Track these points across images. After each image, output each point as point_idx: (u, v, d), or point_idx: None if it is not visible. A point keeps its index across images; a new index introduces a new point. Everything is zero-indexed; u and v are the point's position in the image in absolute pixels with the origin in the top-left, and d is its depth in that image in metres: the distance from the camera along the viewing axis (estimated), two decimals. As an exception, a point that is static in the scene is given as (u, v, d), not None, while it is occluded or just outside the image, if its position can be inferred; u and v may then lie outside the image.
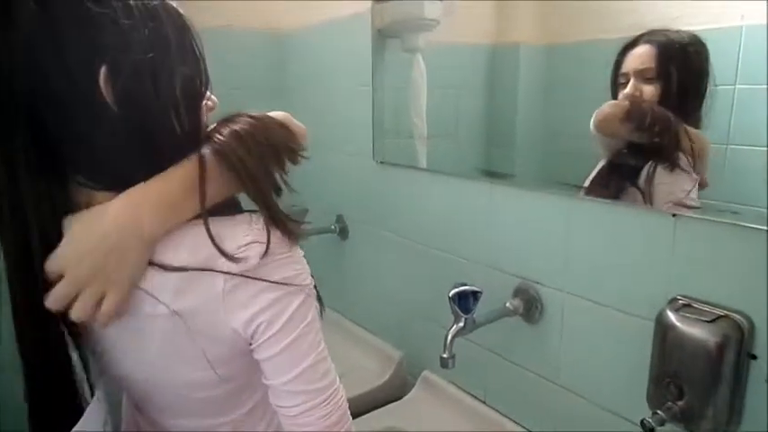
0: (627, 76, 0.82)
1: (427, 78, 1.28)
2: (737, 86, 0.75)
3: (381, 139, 1.38)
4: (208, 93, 0.66)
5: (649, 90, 0.79)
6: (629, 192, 0.84)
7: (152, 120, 0.57)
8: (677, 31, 0.78)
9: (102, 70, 0.53)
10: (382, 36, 1.35)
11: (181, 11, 0.62)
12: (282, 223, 0.61)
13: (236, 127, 0.62)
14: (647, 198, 0.82)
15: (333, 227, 1.57)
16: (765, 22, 0.70)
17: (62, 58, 0.52)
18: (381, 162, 1.38)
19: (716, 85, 0.76)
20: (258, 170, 0.60)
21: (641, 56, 0.80)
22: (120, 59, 0.53)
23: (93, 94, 0.53)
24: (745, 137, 0.75)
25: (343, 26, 1.46)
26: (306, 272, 0.63)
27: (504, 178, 1.09)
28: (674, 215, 0.78)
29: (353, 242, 1.55)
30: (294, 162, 0.70)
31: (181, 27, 0.60)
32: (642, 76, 0.79)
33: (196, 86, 0.62)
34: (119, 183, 0.56)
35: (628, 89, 0.80)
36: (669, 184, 0.79)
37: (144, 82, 0.55)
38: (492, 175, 1.12)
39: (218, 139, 0.60)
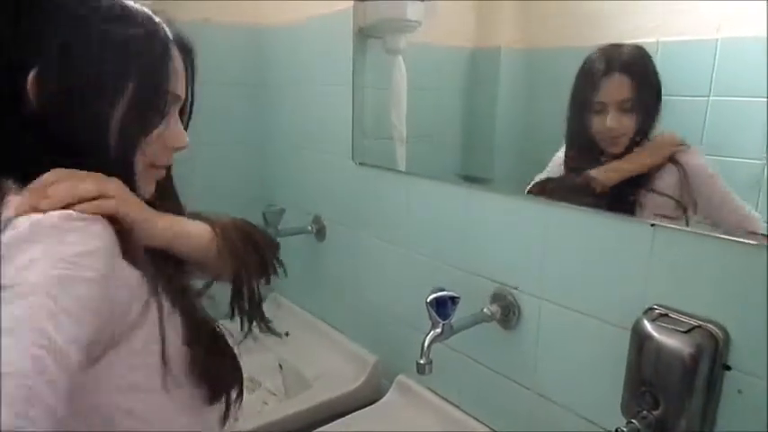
0: (603, 104, 0.82)
1: (408, 80, 1.27)
2: (711, 98, 0.75)
3: (361, 139, 1.37)
4: (170, 126, 0.63)
5: (627, 121, 0.80)
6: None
7: (74, 132, 0.56)
8: (625, 45, 0.80)
9: (33, 73, 0.53)
10: (363, 36, 1.33)
11: (165, 32, 0.60)
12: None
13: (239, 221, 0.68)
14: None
15: (310, 227, 1.55)
16: (740, 35, 0.71)
17: None
18: (361, 163, 1.37)
19: (665, 96, 0.77)
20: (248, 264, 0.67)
21: (621, 87, 0.80)
22: (50, 65, 0.53)
23: (19, 95, 0.53)
24: (720, 149, 0.75)
25: (324, 24, 1.44)
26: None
27: (482, 183, 1.08)
28: (652, 224, 0.78)
29: (330, 244, 1.53)
30: (267, 281, 0.74)
31: (145, 49, 0.58)
32: (621, 107, 0.80)
33: (141, 109, 0.59)
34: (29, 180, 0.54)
35: (610, 122, 0.80)
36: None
37: (71, 93, 0.54)
38: (470, 179, 1.11)
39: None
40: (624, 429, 0.74)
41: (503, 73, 1.09)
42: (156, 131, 0.61)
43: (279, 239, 1.51)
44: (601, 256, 0.86)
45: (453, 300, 0.89)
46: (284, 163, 1.68)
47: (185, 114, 0.70)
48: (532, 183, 0.95)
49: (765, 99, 0.68)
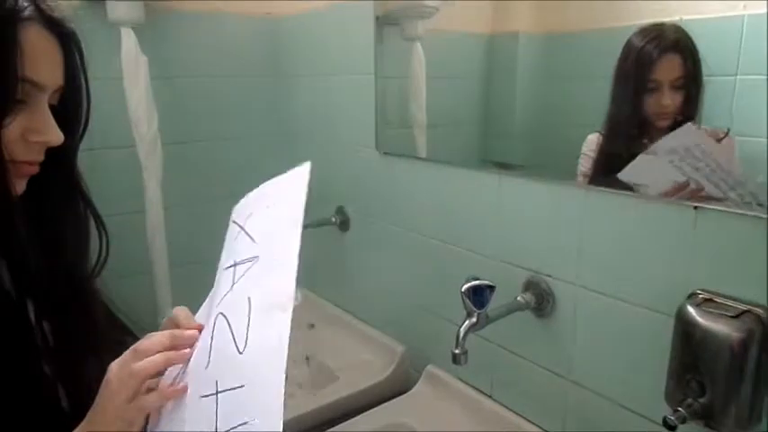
0: (658, 83, 0.83)
1: (426, 67, 1.26)
2: (738, 77, 0.74)
3: (384, 129, 1.35)
4: (33, 118, 0.56)
5: (678, 98, 0.82)
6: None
7: None
8: (673, 26, 0.80)
9: None
10: (380, 23, 1.32)
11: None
12: None
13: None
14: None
15: (333, 219, 1.54)
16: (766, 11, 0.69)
17: None
18: (385, 153, 1.35)
19: (710, 75, 0.78)
20: None
21: (674, 66, 0.82)
22: None
23: None
24: (748, 128, 0.74)
25: (343, 12, 1.42)
26: None
27: (511, 168, 1.07)
28: (695, 207, 0.76)
29: (354, 235, 1.52)
30: None
31: None
32: (673, 85, 0.82)
33: None
34: None
35: (666, 99, 0.83)
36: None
37: None
38: (499, 165, 1.10)
39: None
40: (672, 418, 0.72)
41: (521, 58, 1.08)
42: (7, 122, 0.53)
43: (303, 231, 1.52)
44: (640, 241, 0.84)
45: (490, 288, 0.88)
46: (306, 154, 1.67)
47: (79, 106, 0.64)
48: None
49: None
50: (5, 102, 0.53)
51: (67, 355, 0.62)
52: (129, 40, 1.31)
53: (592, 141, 0.92)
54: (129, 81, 1.33)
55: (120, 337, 0.69)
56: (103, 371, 0.55)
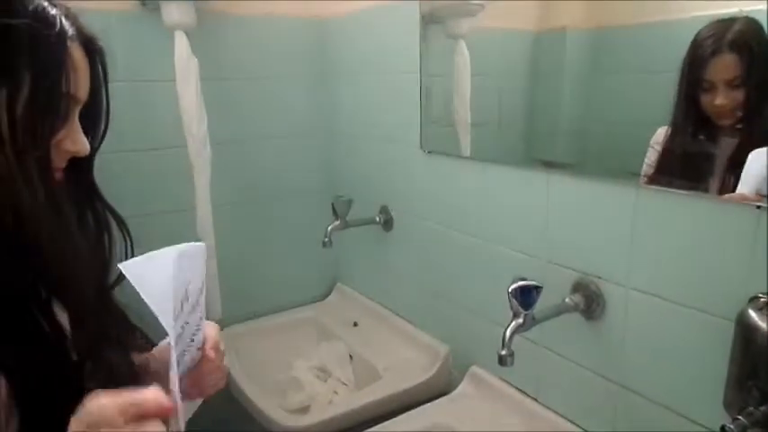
0: (711, 83, 0.80)
1: (470, 65, 1.24)
2: None
3: (428, 127, 1.35)
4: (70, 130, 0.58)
5: (737, 96, 0.79)
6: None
7: None
8: (738, 20, 0.77)
9: None
10: (425, 22, 1.32)
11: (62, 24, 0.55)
12: None
13: None
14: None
15: (377, 218, 1.54)
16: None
17: None
18: (430, 152, 1.34)
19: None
20: None
21: (728, 66, 0.79)
22: None
23: None
24: None
25: (388, 12, 1.42)
26: None
27: (560, 167, 1.04)
28: (758, 206, 0.72)
29: (398, 234, 1.52)
30: None
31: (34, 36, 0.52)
32: (730, 84, 0.79)
33: (39, 113, 0.53)
34: None
35: (720, 100, 0.79)
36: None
37: None
38: (546, 164, 1.08)
39: None
40: (731, 427, 0.69)
41: (568, 54, 1.05)
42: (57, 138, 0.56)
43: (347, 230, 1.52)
44: (697, 242, 0.81)
45: (537, 289, 0.86)
46: (351, 154, 1.69)
47: (100, 118, 0.66)
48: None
49: None
50: (59, 120, 0.56)
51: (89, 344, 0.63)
52: (181, 42, 1.35)
53: (660, 135, 0.89)
54: (180, 82, 1.37)
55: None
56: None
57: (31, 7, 0.52)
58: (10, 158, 0.51)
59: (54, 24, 0.54)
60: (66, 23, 0.56)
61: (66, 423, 0.49)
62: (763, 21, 0.73)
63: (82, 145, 0.60)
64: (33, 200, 0.53)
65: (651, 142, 0.88)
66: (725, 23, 0.78)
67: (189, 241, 0.61)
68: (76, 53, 0.57)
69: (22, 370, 0.54)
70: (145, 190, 1.48)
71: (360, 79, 1.59)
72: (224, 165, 1.53)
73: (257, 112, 1.63)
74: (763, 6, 0.73)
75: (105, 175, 0.70)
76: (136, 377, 0.67)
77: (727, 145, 0.81)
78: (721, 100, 0.79)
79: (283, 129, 1.68)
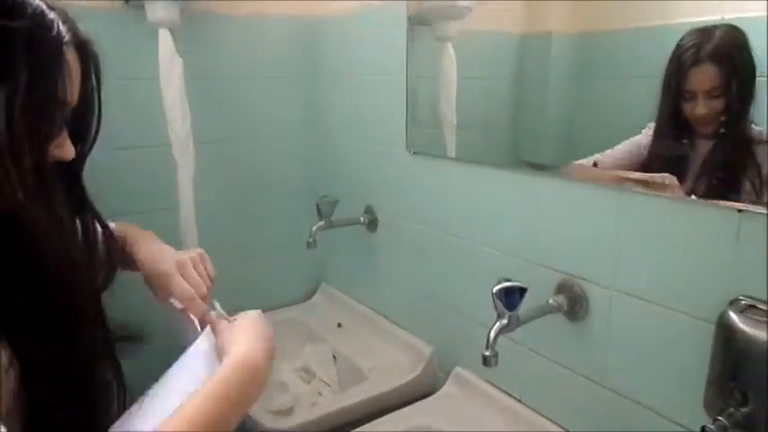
0: (692, 93, 0.81)
1: (457, 68, 1.25)
2: None
3: (414, 128, 1.35)
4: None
5: (717, 105, 0.80)
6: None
7: None
8: (719, 28, 0.77)
9: None
10: (411, 24, 1.32)
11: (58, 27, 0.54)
12: None
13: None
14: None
15: (362, 218, 1.54)
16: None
17: None
18: (415, 153, 1.35)
19: (760, 76, 0.74)
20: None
21: (708, 77, 0.80)
22: None
23: None
24: None
25: (376, 13, 1.42)
26: None
27: (546, 170, 1.05)
28: (739, 210, 0.74)
29: (383, 234, 1.52)
30: None
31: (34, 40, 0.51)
32: (710, 94, 0.80)
33: (35, 118, 0.52)
34: None
35: (700, 109, 0.81)
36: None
37: None
38: (532, 166, 1.08)
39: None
40: (711, 428, 0.70)
41: (554, 57, 1.07)
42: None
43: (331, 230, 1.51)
44: (680, 245, 0.82)
45: (521, 290, 0.87)
46: (336, 154, 1.68)
47: (89, 125, 0.65)
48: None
49: None
50: (55, 125, 0.55)
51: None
52: (165, 40, 1.34)
53: (637, 140, 0.90)
54: (164, 81, 1.35)
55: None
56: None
57: (29, 10, 0.52)
58: (7, 163, 0.50)
59: (52, 28, 0.54)
60: (63, 27, 0.55)
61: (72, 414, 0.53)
62: (745, 28, 0.74)
63: (68, 150, 0.59)
64: (31, 204, 0.53)
65: (623, 145, 0.91)
66: (706, 32, 0.79)
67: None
68: (70, 57, 0.57)
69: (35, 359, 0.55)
70: (130, 188, 1.46)
71: (346, 80, 1.59)
72: (209, 164, 1.52)
73: (242, 112, 1.62)
74: (746, 15, 0.74)
75: (91, 172, 0.69)
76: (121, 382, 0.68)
77: (708, 150, 0.82)
78: (701, 110, 0.80)
79: (269, 128, 1.67)
